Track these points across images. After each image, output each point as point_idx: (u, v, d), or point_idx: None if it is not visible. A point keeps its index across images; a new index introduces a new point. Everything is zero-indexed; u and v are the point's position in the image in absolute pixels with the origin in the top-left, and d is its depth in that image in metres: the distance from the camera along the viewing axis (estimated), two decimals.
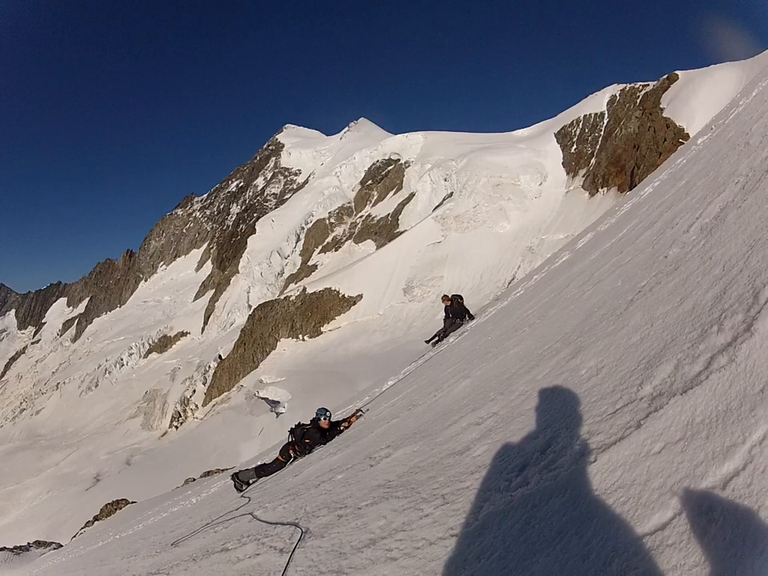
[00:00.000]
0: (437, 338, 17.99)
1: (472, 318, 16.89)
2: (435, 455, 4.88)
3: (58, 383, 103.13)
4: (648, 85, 54.47)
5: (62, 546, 20.65)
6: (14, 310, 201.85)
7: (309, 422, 10.84)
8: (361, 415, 10.91)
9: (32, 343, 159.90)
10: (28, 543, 21.98)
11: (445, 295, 17.95)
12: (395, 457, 5.67)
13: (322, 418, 10.61)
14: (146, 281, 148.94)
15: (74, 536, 21.85)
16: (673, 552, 1.98)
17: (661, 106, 46.79)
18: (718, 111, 19.24)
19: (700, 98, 42.36)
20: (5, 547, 20.68)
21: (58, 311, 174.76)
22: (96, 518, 22.40)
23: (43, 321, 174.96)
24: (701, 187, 7.84)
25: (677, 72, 49.71)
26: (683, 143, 26.27)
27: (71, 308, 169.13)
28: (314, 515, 5.19)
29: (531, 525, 2.77)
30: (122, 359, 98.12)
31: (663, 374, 3.12)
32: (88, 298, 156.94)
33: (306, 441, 10.46)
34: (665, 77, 51.03)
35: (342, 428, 10.52)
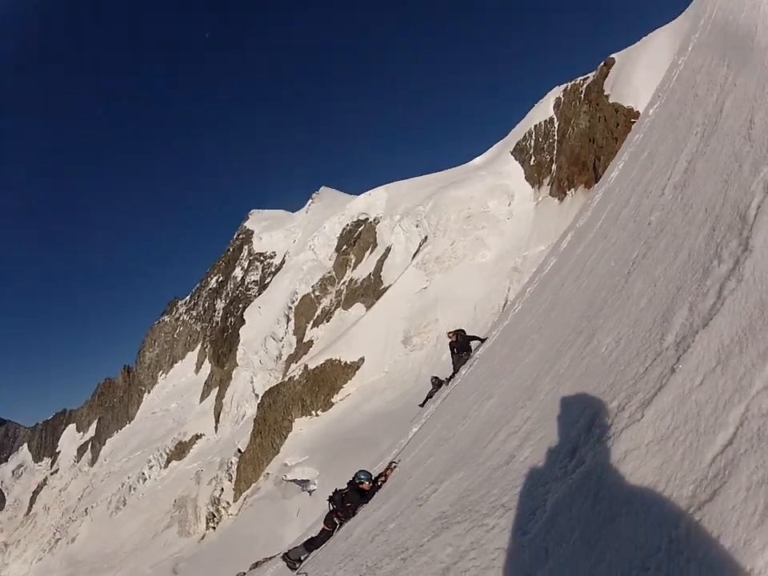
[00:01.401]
0: (438, 389, 17.97)
1: (483, 340, 16.70)
2: (482, 474, 4.83)
3: (86, 508, 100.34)
4: (588, 77, 54.77)
5: None
6: (26, 444, 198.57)
7: (346, 486, 10.67)
8: (395, 466, 10.76)
9: (51, 474, 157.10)
10: None
11: (448, 333, 17.65)
12: (442, 489, 5.58)
13: (366, 482, 10.42)
14: (149, 393, 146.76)
15: None
16: (749, 458, 2.00)
17: (605, 94, 46.78)
18: (660, 79, 19.10)
19: (640, 73, 42.45)
20: None
21: (70, 438, 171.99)
22: None
23: (57, 450, 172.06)
24: (663, 152, 8.00)
25: (612, 56, 50.00)
26: (635, 122, 26.42)
27: (81, 433, 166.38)
28: (377, 567, 5.08)
29: (600, 496, 2.76)
30: (143, 473, 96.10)
31: (680, 320, 3.17)
32: (96, 421, 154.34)
33: (348, 504, 10.26)
34: (602, 64, 51.29)
35: (379, 483, 10.36)
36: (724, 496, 2.00)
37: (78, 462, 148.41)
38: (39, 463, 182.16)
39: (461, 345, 16.89)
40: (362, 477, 10.48)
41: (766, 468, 1.91)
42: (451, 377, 16.78)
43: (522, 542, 3.15)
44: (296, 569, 10.09)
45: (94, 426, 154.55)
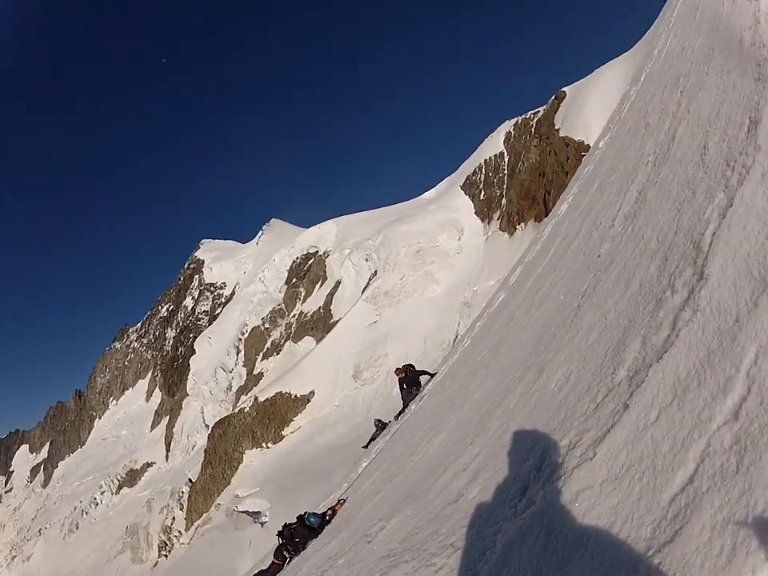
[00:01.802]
0: (380, 432, 17.87)
1: (432, 374, 16.55)
2: (431, 511, 4.71)
3: (40, 529, 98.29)
4: (539, 111, 55.52)
5: None
6: None
7: (295, 521, 10.47)
8: (344, 502, 10.58)
9: (5, 492, 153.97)
10: None
11: (397, 368, 17.43)
12: (391, 526, 5.45)
13: (315, 525, 10.24)
14: (99, 418, 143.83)
15: None
16: (713, 496, 1.91)
17: (556, 128, 47.11)
18: (612, 111, 19.45)
19: (591, 106, 42.88)
20: None
21: (23, 459, 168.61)
22: None
23: (11, 469, 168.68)
24: (614, 182, 8.09)
25: (563, 89, 50.66)
26: (585, 154, 26.70)
27: (34, 454, 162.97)
28: None
29: (553, 536, 2.65)
30: (95, 498, 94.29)
31: (633, 353, 3.12)
32: (48, 443, 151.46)
33: (297, 539, 10.10)
34: (553, 98, 51.98)
35: (328, 518, 10.19)
36: (686, 537, 1.91)
37: (31, 482, 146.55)
38: None
39: (410, 380, 16.76)
40: (312, 520, 10.34)
41: (732, 506, 1.83)
42: (401, 412, 16.60)
43: None
44: None
45: (46, 447, 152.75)
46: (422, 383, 16.66)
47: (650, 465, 2.31)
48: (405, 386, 16.85)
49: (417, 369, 17.07)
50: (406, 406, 16.43)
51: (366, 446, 18.59)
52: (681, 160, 5.06)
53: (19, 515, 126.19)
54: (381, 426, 18.81)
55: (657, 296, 3.24)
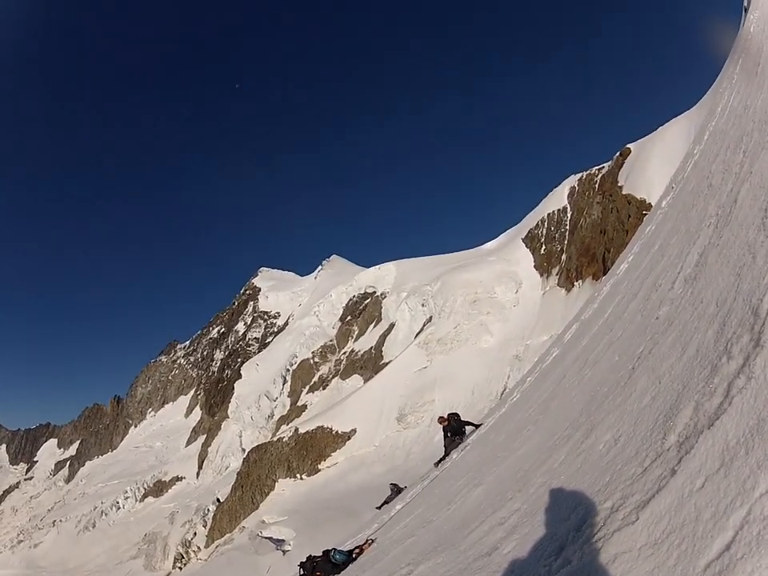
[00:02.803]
0: (394, 495, 17.79)
1: (477, 425, 16.33)
2: (461, 562, 4.63)
3: (55, 521, 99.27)
4: (603, 167, 55.10)
5: None
6: (4, 445, 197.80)
7: (319, 555, 10.37)
8: (372, 542, 10.44)
9: (25, 479, 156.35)
10: None
11: (440, 417, 17.24)
12: (419, 572, 5.38)
13: (341, 563, 10.11)
14: (135, 427, 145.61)
15: None
16: (746, 563, 1.87)
17: (619, 185, 46.78)
18: (675, 169, 19.10)
19: (655, 163, 42.60)
20: None
21: (49, 452, 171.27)
22: None
23: (35, 459, 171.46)
24: (675, 244, 7.96)
25: (628, 146, 50.41)
26: (647, 213, 26.37)
27: (62, 449, 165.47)
28: None
29: None
30: (117, 502, 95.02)
31: (684, 419, 3.05)
32: (78, 441, 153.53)
33: (318, 573, 9.98)
34: (617, 154, 51.65)
35: (354, 555, 10.06)
36: None
37: (53, 475, 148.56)
38: (15, 466, 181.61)
39: (454, 429, 16.52)
40: (338, 557, 10.21)
41: (761, 572, 1.78)
42: (441, 459, 16.41)
43: None
44: None
45: (75, 445, 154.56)
46: (466, 433, 16.42)
47: (691, 531, 2.25)
48: (448, 435, 16.62)
49: (462, 419, 16.84)
50: (447, 454, 16.21)
51: (379, 507, 18.52)
52: (742, 223, 4.99)
53: (35, 504, 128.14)
54: (396, 490, 18.90)
55: (713, 362, 3.19)
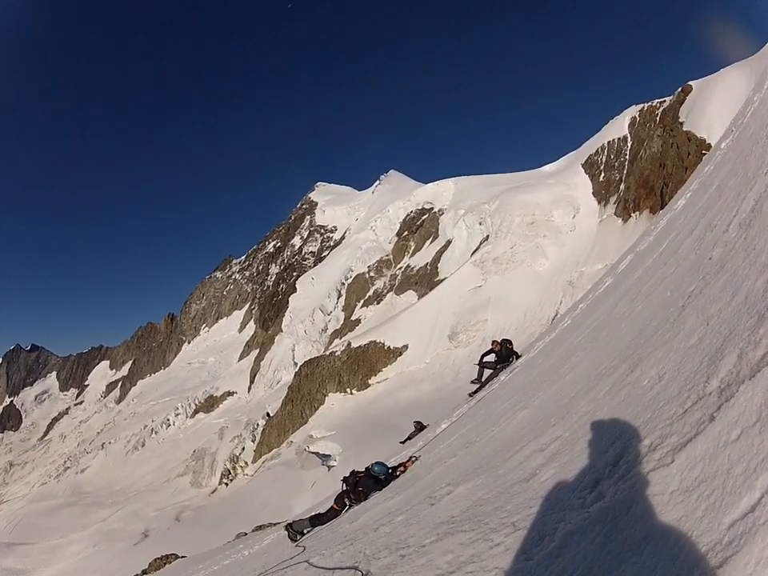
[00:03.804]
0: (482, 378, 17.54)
1: (519, 356, 16.23)
2: (500, 486, 4.73)
3: (103, 443, 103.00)
4: (665, 101, 53.83)
5: None
6: (55, 373, 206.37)
7: (363, 470, 10.67)
8: (416, 460, 10.70)
9: (75, 404, 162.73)
10: None
11: (494, 340, 17.23)
12: (457, 493, 5.51)
13: (381, 475, 10.39)
14: (189, 343, 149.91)
15: None
16: (767, 530, 1.86)
17: (680, 120, 46.25)
18: (734, 113, 18.91)
19: (715, 104, 42.05)
20: None
21: (101, 374, 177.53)
22: (144, 572, 21.62)
23: (86, 383, 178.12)
24: (732, 186, 7.75)
25: (690, 83, 49.46)
26: (706, 153, 25.94)
27: (114, 371, 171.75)
28: (375, 557, 5.03)
29: (613, 537, 2.64)
30: (168, 419, 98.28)
31: (728, 366, 3.01)
32: (131, 361, 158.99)
33: (360, 489, 10.27)
34: (679, 90, 50.69)
35: (397, 473, 10.33)
36: (732, 566, 1.88)
37: (104, 397, 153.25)
38: (65, 393, 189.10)
39: (502, 356, 16.47)
40: (377, 469, 10.46)
41: None
42: (477, 390, 16.38)
43: (524, 567, 3.04)
44: (296, 541, 10.15)
45: (128, 366, 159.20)
46: (511, 363, 16.30)
47: (721, 484, 2.26)
48: (493, 362, 16.55)
49: (512, 348, 16.78)
50: (482, 385, 16.17)
51: (403, 442, 18.86)
52: None
53: (84, 428, 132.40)
54: (420, 427, 19.01)
55: (760, 311, 3.12)
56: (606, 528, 2.74)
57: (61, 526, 68.54)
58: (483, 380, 16.30)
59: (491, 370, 16.31)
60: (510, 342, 16.87)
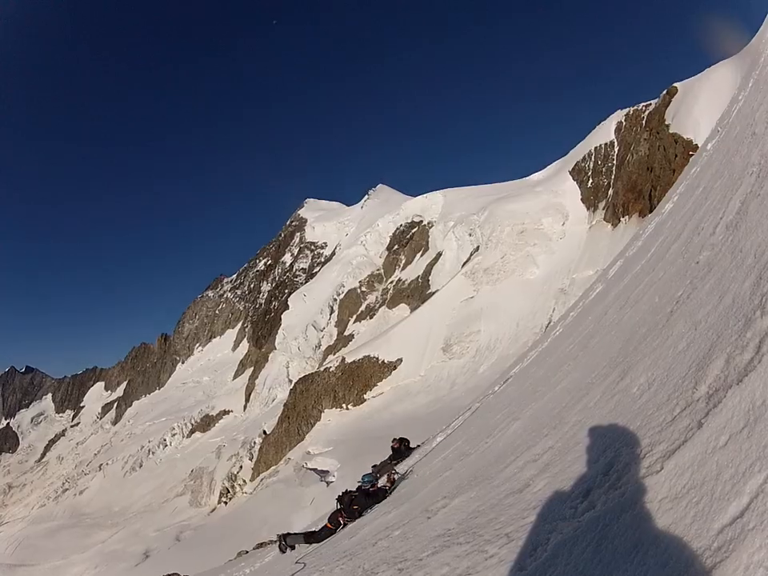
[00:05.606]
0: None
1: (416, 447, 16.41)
2: (494, 498, 4.75)
3: (101, 464, 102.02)
4: (650, 104, 54.11)
5: None
6: (50, 394, 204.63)
7: (355, 489, 10.75)
8: (396, 475, 10.88)
9: (71, 426, 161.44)
10: None
11: (394, 438, 17.18)
12: (453, 506, 5.53)
13: (367, 485, 10.56)
14: (183, 363, 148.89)
15: None
16: (755, 536, 1.86)
17: (666, 123, 46.41)
18: (721, 113, 19.08)
19: (701, 104, 42.16)
20: None
21: (96, 395, 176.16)
22: None
23: (82, 404, 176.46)
24: (718, 188, 7.85)
25: (675, 84, 49.57)
26: (693, 154, 26.12)
27: (109, 392, 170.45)
28: (374, 572, 5.05)
29: (604, 545, 2.64)
30: (165, 440, 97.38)
31: (716, 371, 3.03)
32: (126, 382, 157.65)
33: (354, 507, 10.30)
34: (664, 92, 50.85)
35: (387, 487, 10.44)
36: (722, 571, 1.88)
37: (100, 418, 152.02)
38: (61, 414, 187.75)
39: (401, 453, 16.36)
40: (365, 479, 10.65)
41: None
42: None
43: None
44: (284, 552, 10.32)
45: (122, 386, 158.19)
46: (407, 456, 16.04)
47: (710, 490, 2.26)
48: (391, 459, 16.46)
49: (410, 445, 16.78)
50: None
51: (374, 466, 18.41)
52: None
53: (81, 450, 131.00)
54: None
55: (747, 315, 3.14)
56: (597, 537, 2.74)
57: (62, 548, 67.93)
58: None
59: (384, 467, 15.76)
60: (408, 441, 16.85)
